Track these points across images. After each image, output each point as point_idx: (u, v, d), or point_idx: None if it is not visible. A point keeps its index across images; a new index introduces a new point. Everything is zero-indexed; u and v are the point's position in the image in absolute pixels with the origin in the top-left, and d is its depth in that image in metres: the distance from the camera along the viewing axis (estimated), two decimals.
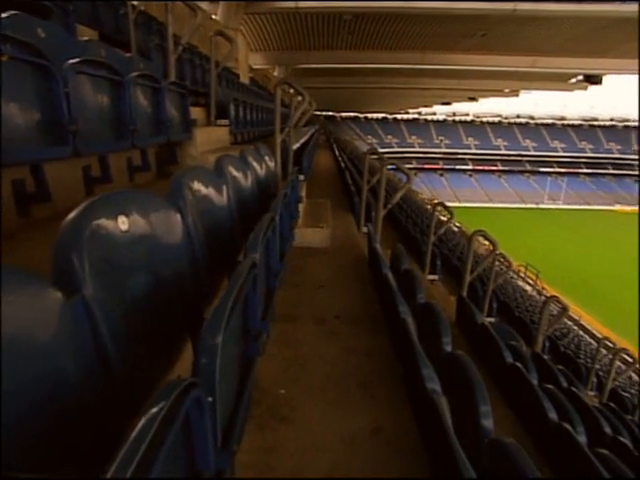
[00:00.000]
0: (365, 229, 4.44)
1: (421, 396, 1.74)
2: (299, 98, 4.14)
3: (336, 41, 22.89)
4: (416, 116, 67.18)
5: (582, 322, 19.55)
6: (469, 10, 17.03)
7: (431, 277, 5.26)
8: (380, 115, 66.30)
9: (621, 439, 3.42)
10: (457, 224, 23.71)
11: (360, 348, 2.37)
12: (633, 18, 17.32)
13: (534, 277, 19.92)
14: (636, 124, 66.68)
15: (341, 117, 65.42)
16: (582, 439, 2.81)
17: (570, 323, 17.56)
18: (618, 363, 7.75)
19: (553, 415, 2.65)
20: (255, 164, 2.89)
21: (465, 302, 3.79)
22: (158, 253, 1.21)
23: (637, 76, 25.36)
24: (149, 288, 1.13)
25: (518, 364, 2.97)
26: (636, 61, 24.97)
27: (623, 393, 8.10)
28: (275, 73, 27.77)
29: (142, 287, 1.10)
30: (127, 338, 0.95)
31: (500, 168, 61.36)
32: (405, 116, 67.07)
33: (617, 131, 66.53)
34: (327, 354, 2.30)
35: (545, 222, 46.17)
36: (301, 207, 4.05)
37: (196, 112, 4.71)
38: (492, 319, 5.50)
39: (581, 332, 16.57)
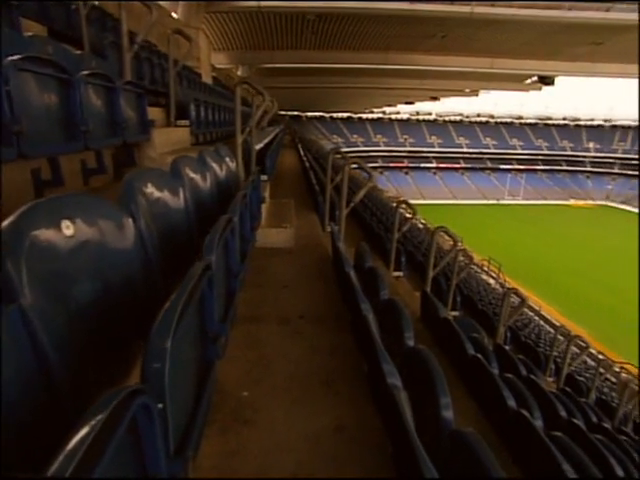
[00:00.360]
0: (329, 228, 4.47)
1: (383, 391, 1.77)
2: (262, 98, 4.12)
3: (300, 41, 22.90)
4: (381, 115, 68.17)
5: (542, 312, 20.40)
6: (429, 12, 17.46)
7: (396, 274, 5.35)
8: (345, 114, 66.81)
9: (575, 421, 3.59)
10: (422, 221, 24.20)
11: (324, 347, 2.39)
12: (579, 24, 18.29)
13: (497, 270, 20.58)
14: (586, 123, 70.30)
15: (307, 117, 65.45)
16: (539, 424, 2.93)
17: (531, 314, 18.30)
18: (573, 349, 8.14)
19: (512, 403, 2.75)
20: (214, 165, 2.85)
21: (429, 297, 3.88)
22: (107, 258, 1.17)
23: (637, 79, 26.50)
24: (97, 295, 1.09)
25: (479, 355, 3.07)
26: (583, 64, 26.34)
27: (579, 377, 8.52)
28: (239, 72, 27.48)
29: (88, 294, 1.06)
30: (71, 347, 0.92)
31: (463, 166, 63.20)
32: (370, 115, 67.92)
33: (569, 130, 69.80)
34: (291, 354, 2.30)
35: (506, 217, 47.87)
36: (264, 207, 4.03)
37: (155, 112, 4.60)
38: (456, 313, 5.66)
39: (541, 322, 17.26)
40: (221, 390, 1.97)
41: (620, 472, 3.17)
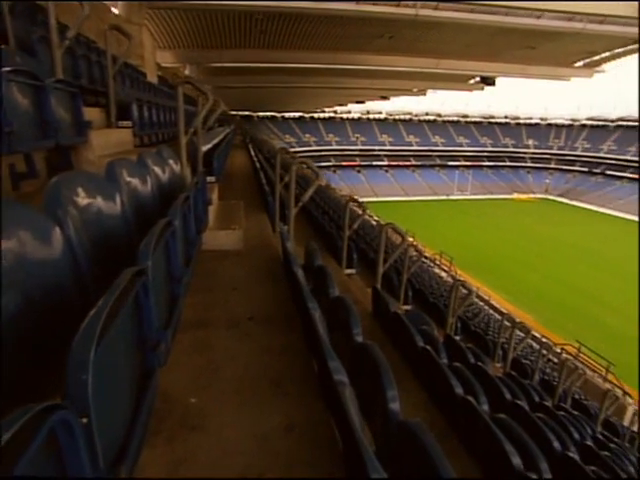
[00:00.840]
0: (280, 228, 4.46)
1: (330, 388, 1.79)
2: (205, 98, 4.03)
3: (249, 40, 22.63)
4: (332, 115, 68.81)
5: (492, 301, 21.39)
6: (375, 13, 17.80)
7: (348, 271, 5.42)
8: (297, 114, 66.86)
9: (518, 402, 3.80)
10: (375, 218, 24.66)
11: (274, 347, 2.38)
12: (513, 29, 19.35)
13: (448, 263, 21.35)
14: (525, 121, 74.53)
15: (258, 117, 64.88)
16: (485, 408, 3.08)
17: (481, 304, 19.12)
18: (519, 334, 8.60)
19: (459, 390, 2.87)
20: (156, 168, 2.77)
21: (379, 293, 3.96)
22: (27, 269, 1.11)
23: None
24: (16, 308, 1.03)
25: (428, 347, 3.17)
26: (519, 65, 27.91)
27: (524, 361, 9.02)
28: (186, 72, 26.74)
29: (6, 307, 1.00)
30: None
31: (413, 163, 65.16)
32: (322, 115, 68.38)
33: (511, 127, 73.72)
34: (240, 356, 2.28)
35: (456, 212, 49.79)
36: (212, 209, 3.95)
37: (93, 113, 4.39)
38: (408, 307, 5.83)
39: (491, 311, 18.04)
40: (167, 398, 1.92)
41: (557, 445, 3.40)
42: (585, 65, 28.67)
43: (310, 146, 61.97)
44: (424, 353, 3.12)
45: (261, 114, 64.68)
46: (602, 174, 62.41)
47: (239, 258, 3.86)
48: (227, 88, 34.03)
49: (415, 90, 42.15)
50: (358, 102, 55.35)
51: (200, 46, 23.32)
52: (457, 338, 6.48)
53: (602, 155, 64.06)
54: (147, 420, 1.35)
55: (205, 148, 5.37)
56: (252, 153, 12.93)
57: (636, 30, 17.98)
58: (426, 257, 21.47)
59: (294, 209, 4.01)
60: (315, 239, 6.79)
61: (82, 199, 1.52)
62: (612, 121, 67.84)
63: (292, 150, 55.25)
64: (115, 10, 14.43)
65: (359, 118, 70.60)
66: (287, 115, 66.85)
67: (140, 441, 1.24)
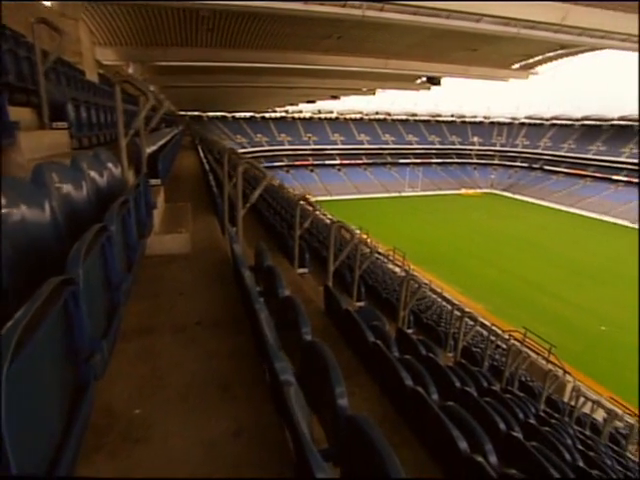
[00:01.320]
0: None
1: (277, 389, 1.79)
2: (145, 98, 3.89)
3: (195, 38, 22.05)
4: (284, 114, 68.62)
5: (444, 294, 22.16)
6: (322, 13, 17.88)
7: (301, 270, 5.43)
8: (248, 114, 66.07)
9: (467, 389, 3.97)
10: (329, 217, 24.87)
11: (222, 351, 2.35)
12: (455, 31, 20.12)
13: (402, 259, 21.87)
14: (470, 119, 77.90)
15: (208, 117, 63.46)
16: (434, 397, 3.19)
17: (434, 296, 19.77)
18: (469, 322, 8.98)
19: (409, 382, 2.96)
20: (92, 172, 2.64)
21: (330, 291, 4.01)
22: None
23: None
24: None
25: (379, 342, 3.24)
26: (462, 66, 29.14)
27: (475, 349, 9.43)
28: (130, 70, 25.68)
29: None
30: None
31: (365, 161, 66.34)
32: (273, 114, 68.00)
33: (457, 126, 76.82)
34: (186, 363, 2.23)
35: (408, 208, 51.23)
36: (156, 213, 3.83)
37: (23, 113, 4.12)
38: (361, 303, 5.93)
39: (444, 303, 18.65)
40: (109, 411, 1.84)
41: (503, 426, 3.58)
42: (521, 67, 30.39)
43: (262, 146, 61.53)
44: (375, 348, 3.19)
45: (211, 114, 63.32)
46: (540, 169, 66.57)
47: (187, 262, 3.76)
48: (175, 88, 33.04)
49: (365, 90, 42.88)
50: (309, 102, 55.56)
51: (143, 43, 22.46)
52: (410, 331, 6.67)
53: (539, 151, 68.33)
54: (82, 435, 1.29)
55: (150, 150, 5.19)
56: (201, 154, 12.65)
57: (562, 36, 19.33)
58: (380, 253, 21.91)
59: (242, 210, 3.96)
60: (267, 240, 6.75)
61: (2, 207, 1.41)
62: (547, 120, 72.53)
63: (244, 151, 54.62)
64: (47, 3, 13.60)
65: (311, 118, 70.91)
66: (238, 115, 65.86)
67: (73, 457, 1.19)
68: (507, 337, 14.49)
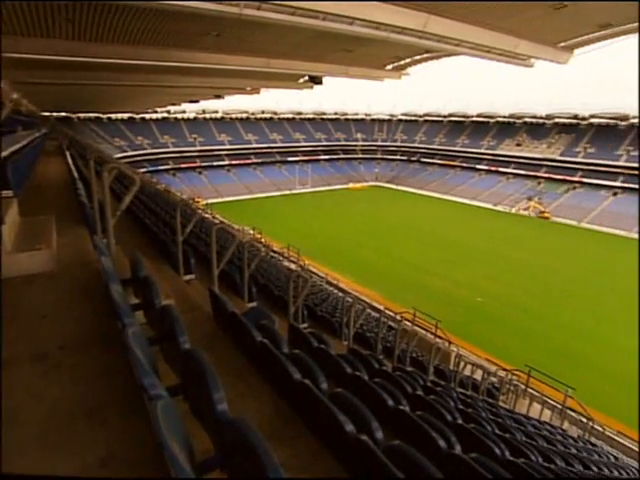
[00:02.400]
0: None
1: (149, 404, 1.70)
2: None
3: (53, 28, 19.61)
4: (166, 115, 64.96)
5: (340, 284, 23.09)
6: (197, 10, 17.20)
7: (187, 277, 5.21)
8: (126, 115, 61.13)
9: (358, 374, 4.19)
10: (220, 219, 24.30)
11: (90, 374, 2.15)
12: (331, 33, 20.94)
13: (297, 255, 22.26)
14: (353, 117, 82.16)
15: (79, 118, 57.30)
16: (324, 386, 3.31)
17: (330, 288, 20.49)
18: (360, 308, 9.48)
19: (297, 376, 3.02)
20: None
21: (216, 295, 3.91)
22: None
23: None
24: None
25: (266, 341, 3.26)
26: (341, 66, 30.54)
27: (369, 334, 10.00)
28: None
29: None
30: None
31: (254, 161, 66.04)
32: (154, 115, 63.89)
33: (341, 123, 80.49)
34: (48, 393, 2.00)
35: (300, 205, 52.32)
36: (7, 229, 3.35)
37: None
38: (253, 304, 5.90)
39: (340, 293, 19.39)
40: None
41: (391, 402, 3.85)
42: (394, 68, 32.80)
43: (145, 149, 57.64)
44: (262, 347, 3.20)
45: (83, 115, 57.23)
46: (418, 161, 73.08)
47: (50, 281, 3.37)
48: (34, 84, 29.12)
49: (249, 89, 42.49)
50: (192, 101, 53.26)
51: None
52: (304, 325, 6.83)
53: (416, 145, 74.98)
54: None
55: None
56: (70, 160, 11.38)
57: (425, 42, 21.33)
58: (274, 251, 22.04)
59: (112, 219, 3.66)
60: (150, 248, 6.35)
61: None
62: (420, 116, 79.78)
63: (124, 155, 50.63)
64: None
65: (195, 118, 68.25)
66: (114, 116, 60.48)
67: None
68: (399, 319, 15.63)
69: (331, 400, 2.96)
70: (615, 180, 51.51)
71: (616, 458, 9.74)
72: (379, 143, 78.42)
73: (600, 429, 13.05)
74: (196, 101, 53.42)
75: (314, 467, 2.64)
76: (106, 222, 3.65)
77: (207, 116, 69.33)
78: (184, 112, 66.63)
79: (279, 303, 7.08)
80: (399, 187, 66.92)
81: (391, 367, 6.93)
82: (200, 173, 60.25)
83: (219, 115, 70.46)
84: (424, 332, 15.80)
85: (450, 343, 15.13)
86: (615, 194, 50.87)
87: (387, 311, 15.93)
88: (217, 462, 1.88)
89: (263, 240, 24.61)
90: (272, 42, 24.21)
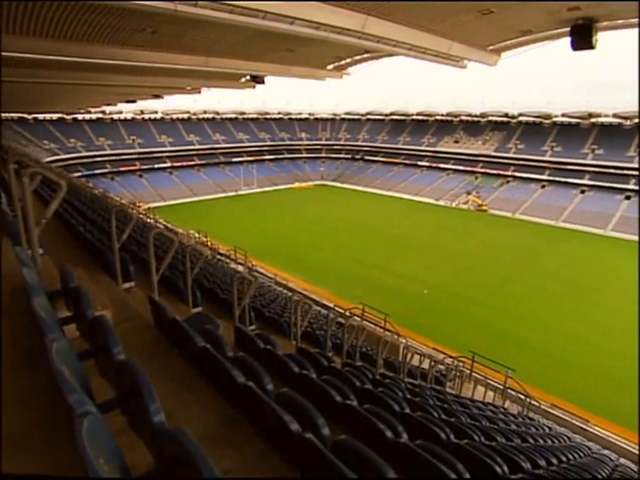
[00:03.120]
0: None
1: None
2: None
3: None
4: (101, 115, 61.49)
5: (289, 284, 23.07)
6: (131, 3, 16.42)
7: (127, 285, 4.97)
8: (55, 115, 57.05)
9: (305, 372, 4.21)
10: (164, 223, 23.48)
11: (11, 397, 1.99)
12: (272, 32, 20.81)
13: (244, 257, 21.99)
14: (297, 116, 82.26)
15: None
16: (269, 388, 3.30)
17: (280, 288, 20.41)
18: (306, 307, 9.51)
19: (241, 379, 2.99)
20: None
21: (156, 303, 3.79)
22: None
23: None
24: None
25: (208, 346, 3.20)
26: (282, 66, 30.46)
27: (318, 332, 10.07)
28: None
29: None
30: None
31: (197, 162, 64.32)
32: (87, 116, 60.20)
33: (285, 122, 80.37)
34: None
35: (246, 206, 51.71)
36: None
37: None
38: (198, 309, 5.75)
39: (289, 293, 19.36)
40: None
41: (339, 398, 3.91)
42: (335, 68, 33.22)
43: (79, 152, 54.22)
44: (205, 352, 3.14)
45: (3, 115, 52.65)
46: (362, 159, 74.59)
47: None
48: None
49: (189, 88, 41.23)
50: (129, 101, 50.78)
51: None
52: (252, 327, 6.78)
53: (359, 144, 76.47)
54: None
55: None
56: None
57: (365, 42, 21.80)
58: (221, 254, 21.63)
59: (37, 228, 3.42)
60: (85, 257, 6.01)
61: None
62: (363, 115, 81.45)
63: (55, 158, 47.34)
64: None
65: (133, 119, 65.20)
66: (42, 117, 56.17)
67: None
68: (348, 315, 15.87)
69: (277, 400, 2.96)
70: (542, 174, 55.51)
71: (550, 428, 10.53)
72: (323, 142, 79.12)
73: (536, 404, 14.06)
74: (133, 101, 51.01)
75: (261, 470, 2.63)
76: (29, 231, 3.41)
77: (146, 117, 66.52)
78: (120, 112, 63.46)
79: (225, 306, 6.95)
80: (344, 185, 67.94)
81: (340, 363, 7.03)
82: (141, 176, 57.69)
83: (159, 116, 67.86)
84: (373, 326, 16.18)
85: (399, 335, 15.59)
86: (543, 187, 54.79)
87: (336, 308, 16.18)
88: (155, 476, 1.83)
89: (209, 243, 24.08)
90: (211, 41, 23.60)
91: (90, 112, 58.95)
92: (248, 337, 4.51)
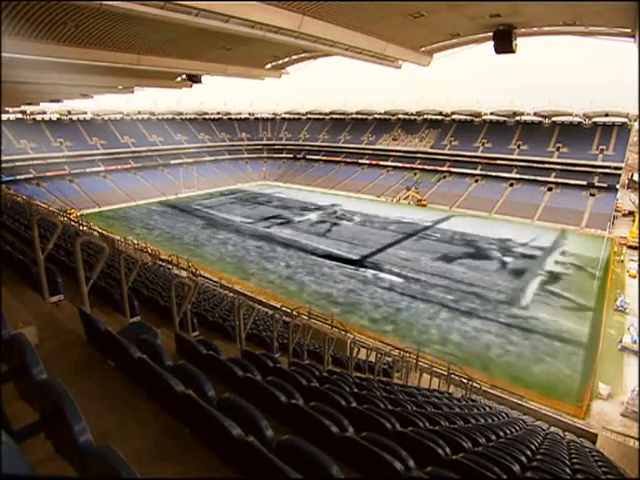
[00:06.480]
0: None
1: None
2: None
3: None
4: (21, 116, 56.81)
5: (235, 287, 22.72)
6: None
7: (55, 299, 4.63)
8: None
9: (249, 375, 4.17)
10: (98, 230, 22.23)
11: None
12: (207, 30, 20.29)
13: (187, 263, 21.39)
14: (237, 117, 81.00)
15: None
16: (211, 394, 3.24)
17: (225, 292, 20.05)
18: (251, 309, 9.42)
19: (180, 387, 2.91)
20: None
21: (86, 315, 3.58)
22: None
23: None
24: None
25: (144, 356, 3.08)
26: (219, 65, 29.83)
27: (265, 334, 10.00)
28: None
29: None
30: None
31: (133, 165, 61.32)
32: (4, 116, 55.27)
33: (225, 122, 78.89)
34: None
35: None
36: None
37: None
38: (137, 318, 5.50)
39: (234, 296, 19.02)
40: None
41: (284, 398, 3.92)
42: (273, 67, 33.04)
43: None
44: (141, 363, 3.02)
45: None
46: (304, 158, 74.90)
47: None
48: None
49: (120, 87, 39.21)
50: (53, 101, 47.37)
51: None
52: (195, 334, 6.61)
53: (301, 143, 76.75)
54: None
55: None
56: None
57: (302, 42, 21.87)
58: (162, 260, 20.84)
59: None
60: (5, 270, 5.54)
61: None
62: (303, 114, 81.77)
63: None
64: None
65: (59, 119, 60.82)
66: None
67: None
68: (295, 314, 15.91)
69: (218, 406, 2.91)
70: (475, 169, 58.81)
71: (490, 408, 11.21)
72: (264, 142, 78.59)
73: (478, 386, 14.91)
74: (59, 101, 47.60)
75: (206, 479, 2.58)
76: None
77: (74, 117, 62.37)
78: (44, 113, 59.05)
79: (167, 314, 6.71)
80: (287, 185, 67.90)
81: (287, 363, 7.03)
82: (71, 181, 53.99)
83: (88, 116, 63.91)
84: (320, 324, 16.36)
85: (346, 332, 15.88)
86: (477, 181, 58.01)
87: (283, 308, 16.17)
88: None
89: (149, 250, 23.09)
90: (142, 37, 22.57)
91: (8, 112, 54.26)
92: (189, 344, 4.39)
